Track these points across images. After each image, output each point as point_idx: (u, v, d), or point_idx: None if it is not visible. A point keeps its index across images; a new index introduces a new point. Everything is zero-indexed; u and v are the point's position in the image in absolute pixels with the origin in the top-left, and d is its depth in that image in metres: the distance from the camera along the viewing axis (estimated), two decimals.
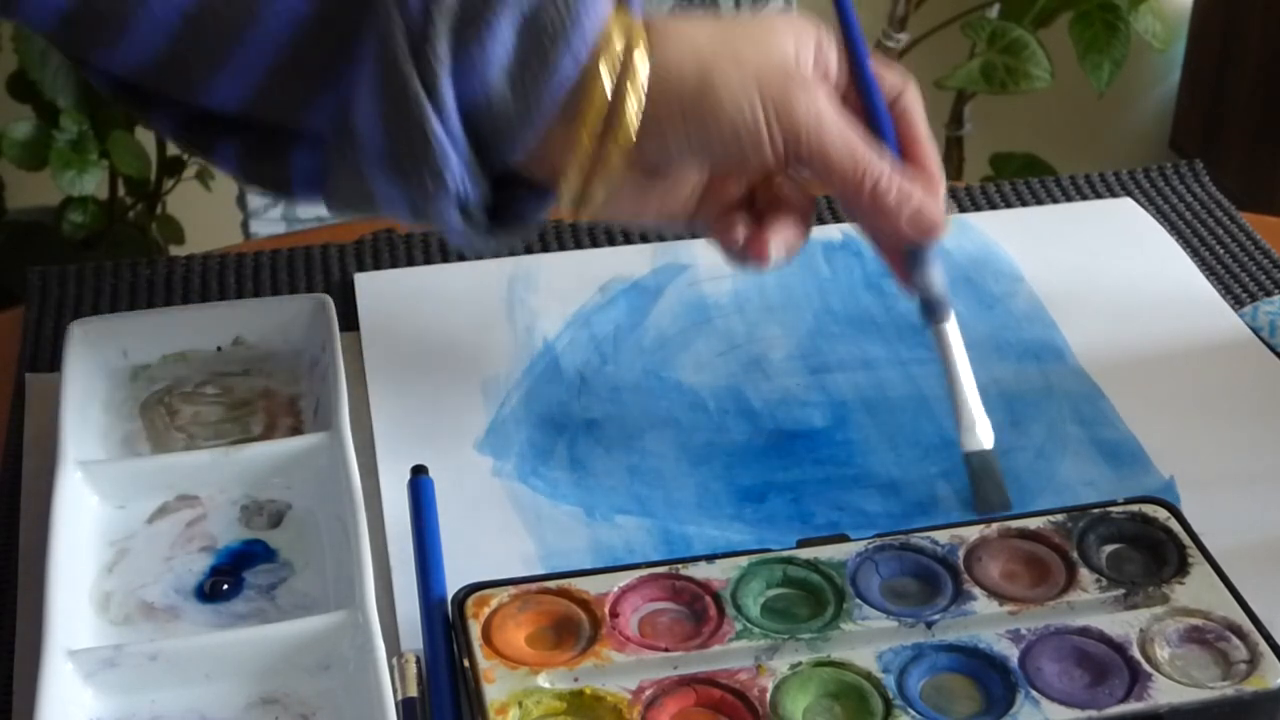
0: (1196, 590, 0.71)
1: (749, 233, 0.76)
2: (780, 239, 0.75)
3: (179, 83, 0.73)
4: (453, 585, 0.72)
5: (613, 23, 0.70)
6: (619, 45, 0.70)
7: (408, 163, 0.70)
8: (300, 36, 0.70)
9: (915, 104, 0.78)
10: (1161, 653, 0.69)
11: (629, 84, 0.70)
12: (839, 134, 0.73)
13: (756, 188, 0.77)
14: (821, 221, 1.01)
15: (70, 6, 0.69)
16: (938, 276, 0.78)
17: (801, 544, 0.74)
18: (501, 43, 0.69)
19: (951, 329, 0.79)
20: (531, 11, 0.69)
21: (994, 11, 1.94)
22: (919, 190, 0.75)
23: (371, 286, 0.94)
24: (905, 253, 0.78)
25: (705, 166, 0.75)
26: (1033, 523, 0.75)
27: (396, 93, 0.68)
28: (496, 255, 0.75)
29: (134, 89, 0.75)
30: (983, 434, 0.79)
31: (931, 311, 0.79)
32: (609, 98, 0.70)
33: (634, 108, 0.70)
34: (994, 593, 0.71)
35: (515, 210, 0.75)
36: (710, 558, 0.73)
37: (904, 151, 0.77)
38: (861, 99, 0.77)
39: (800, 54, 0.74)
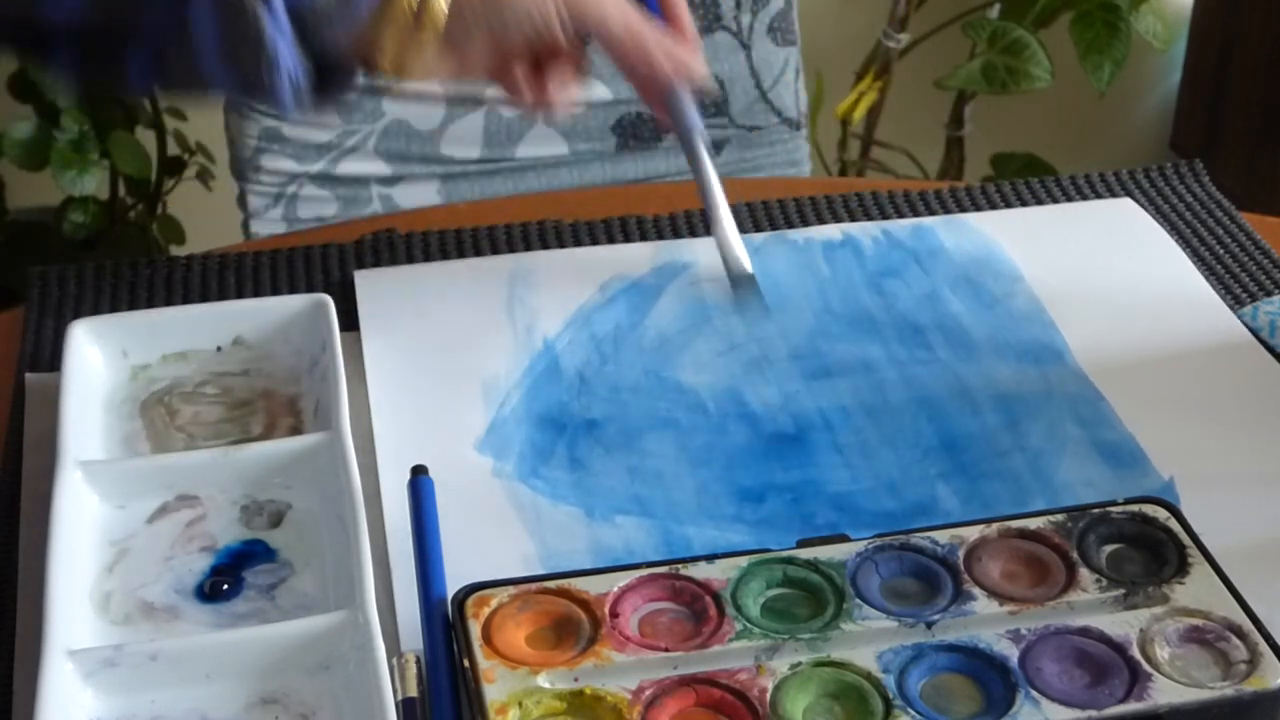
0: (1196, 590, 0.71)
1: (532, 84, 0.88)
2: (558, 84, 0.88)
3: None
4: (453, 585, 0.72)
5: None
6: None
7: (244, 56, 0.78)
8: None
9: None
10: (1161, 653, 0.69)
11: None
12: (616, 10, 0.86)
13: (539, 52, 0.88)
14: (820, 221, 1.01)
15: None
16: (692, 110, 0.92)
17: (801, 544, 0.74)
18: None
19: (703, 153, 0.92)
20: None
21: (994, 12, 1.94)
22: (678, 46, 0.90)
23: (371, 286, 0.94)
24: (666, 96, 0.91)
25: (500, 41, 0.85)
26: (1033, 523, 0.75)
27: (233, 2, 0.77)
28: (316, 120, 0.86)
29: None
30: (741, 255, 0.92)
31: (688, 141, 0.92)
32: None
33: (441, 5, 0.81)
34: (994, 593, 0.71)
35: (333, 83, 0.83)
36: (710, 558, 0.73)
37: (665, 17, 0.91)
38: None
39: None
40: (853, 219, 1.01)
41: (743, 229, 1.00)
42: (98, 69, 0.82)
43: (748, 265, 0.91)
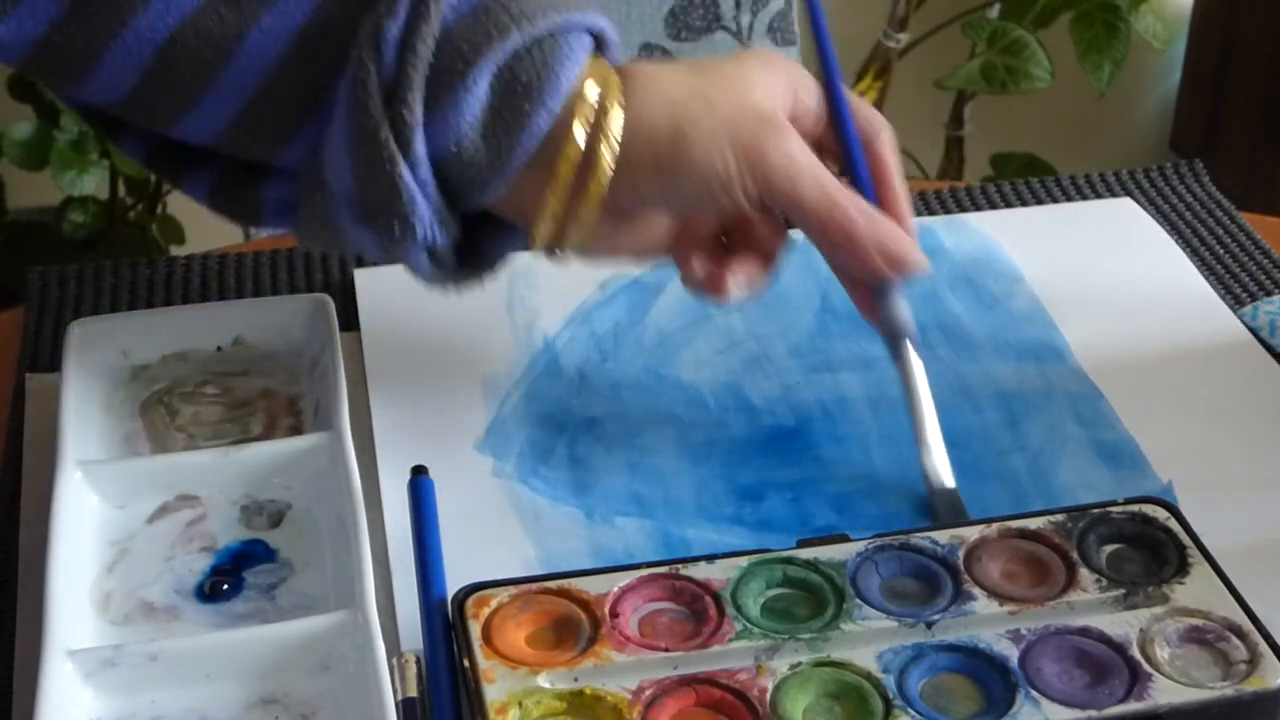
0: (1196, 590, 0.71)
1: (709, 269, 0.77)
2: (741, 277, 0.77)
3: (149, 117, 0.74)
4: (453, 585, 0.72)
5: (588, 73, 0.71)
6: (593, 97, 0.71)
7: (378, 211, 0.70)
8: (273, 80, 0.70)
9: (888, 143, 0.79)
10: (1161, 653, 0.69)
11: (603, 137, 0.70)
12: (812, 178, 0.73)
13: (728, 224, 0.78)
14: None
15: (48, 34, 0.69)
16: (904, 309, 0.79)
17: (801, 544, 0.74)
18: (476, 97, 0.69)
19: (915, 361, 0.80)
20: (508, 64, 0.69)
21: (994, 11, 1.94)
22: (890, 228, 0.76)
23: (371, 286, 0.94)
24: (873, 288, 0.78)
25: (676, 213, 0.76)
26: (1033, 523, 0.75)
27: (368, 146, 0.69)
28: (464, 292, 0.78)
29: (104, 114, 0.76)
30: (943, 470, 0.79)
31: (896, 344, 0.80)
32: (583, 150, 0.70)
33: (608, 160, 0.71)
34: (994, 593, 0.71)
35: (483, 250, 0.76)
36: (710, 558, 0.73)
37: (877, 192, 0.78)
38: (838, 140, 0.78)
39: (775, 96, 0.74)
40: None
41: None
42: (231, 201, 0.76)
43: (950, 481, 0.79)
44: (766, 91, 0.74)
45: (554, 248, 0.74)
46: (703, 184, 0.72)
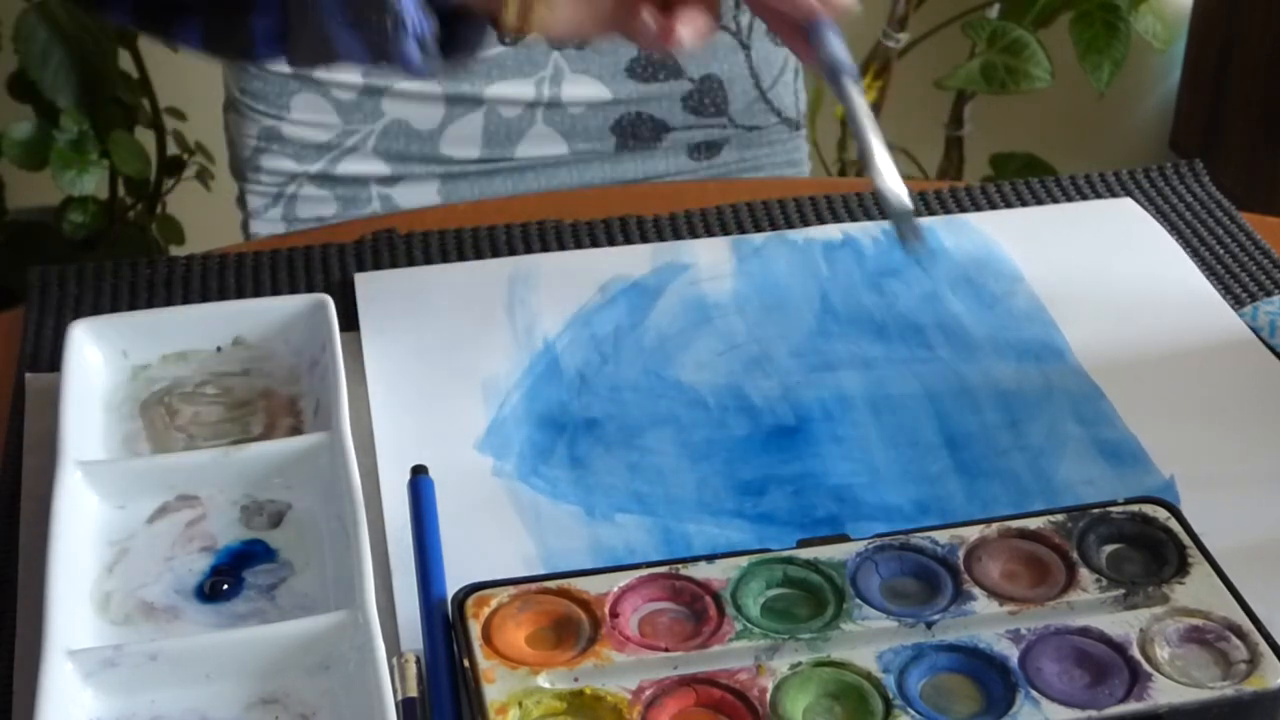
0: (1196, 590, 0.71)
1: (660, 23, 0.81)
2: (689, 26, 0.81)
3: None
4: (453, 585, 0.72)
5: None
6: None
7: (369, 13, 0.75)
8: None
9: None
10: (1161, 653, 0.69)
11: None
12: None
13: None
14: (820, 221, 1.01)
15: None
16: (839, 46, 0.81)
17: (801, 544, 0.74)
18: None
19: (857, 94, 0.81)
20: None
21: (994, 11, 1.94)
22: None
23: (371, 286, 0.94)
24: (808, 29, 0.81)
25: None
26: (1033, 523, 0.75)
27: None
28: (444, 79, 0.82)
29: None
30: (899, 190, 0.80)
31: (835, 78, 0.81)
32: None
33: None
34: (994, 593, 0.71)
35: (460, 41, 0.81)
36: (710, 558, 0.73)
37: None
38: None
39: None
40: (853, 219, 1.01)
41: (742, 229, 1.00)
42: (223, 39, 0.81)
43: (907, 200, 0.80)
44: None
45: (522, 24, 0.79)
46: None
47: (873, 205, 1.02)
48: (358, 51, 0.78)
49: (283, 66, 0.83)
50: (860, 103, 0.81)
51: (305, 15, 0.77)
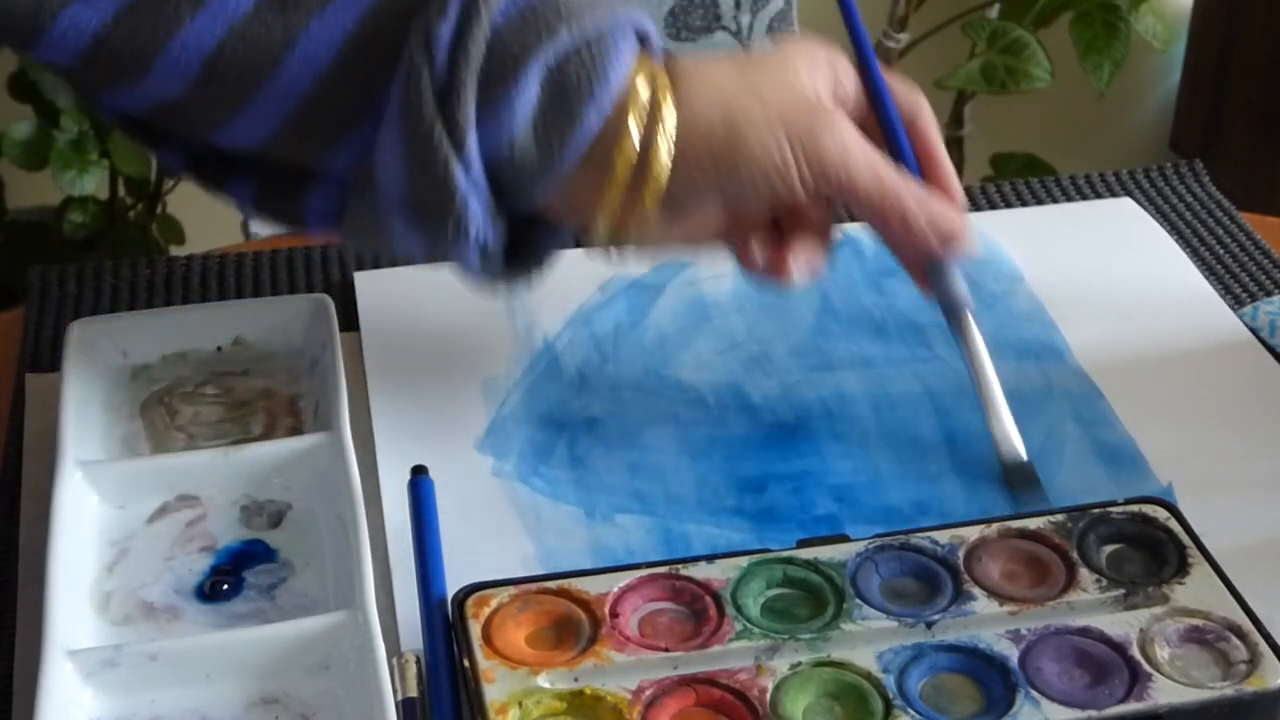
0: (1196, 590, 0.71)
1: (769, 254, 0.77)
2: (802, 259, 0.77)
3: (193, 125, 0.74)
4: (453, 585, 0.72)
5: (637, 72, 0.71)
6: (645, 95, 0.71)
7: (430, 212, 0.70)
8: (322, 86, 0.70)
9: (930, 120, 0.80)
10: (1161, 653, 0.69)
11: (658, 134, 0.71)
12: (865, 164, 0.74)
13: (780, 215, 0.78)
14: None
15: (94, 46, 0.69)
16: (960, 282, 0.80)
17: (801, 544, 0.74)
18: (527, 98, 0.69)
19: (976, 333, 0.81)
20: (557, 65, 0.70)
21: (994, 11, 1.94)
22: (941, 206, 0.77)
23: (371, 286, 0.94)
24: (928, 267, 0.79)
25: (732, 204, 0.76)
26: (1033, 523, 0.75)
27: (422, 145, 0.69)
28: (505, 291, 0.78)
29: (145, 126, 0.76)
30: (1016, 441, 0.80)
31: (955, 316, 0.81)
32: (638, 149, 0.71)
33: (664, 157, 0.71)
34: (994, 593, 0.71)
35: (531, 249, 0.76)
36: (710, 558, 0.73)
37: (922, 168, 0.79)
38: (879, 121, 0.79)
39: (818, 83, 0.76)
40: (853, 219, 1.01)
41: None
42: (274, 206, 0.76)
43: (1022, 453, 0.80)
44: (811, 79, 0.75)
45: (612, 245, 0.74)
46: (760, 175, 0.72)
47: None
48: (414, 244, 0.73)
49: None
50: (979, 344, 0.81)
51: (363, 204, 0.72)
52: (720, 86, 0.73)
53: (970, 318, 0.80)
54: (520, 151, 0.70)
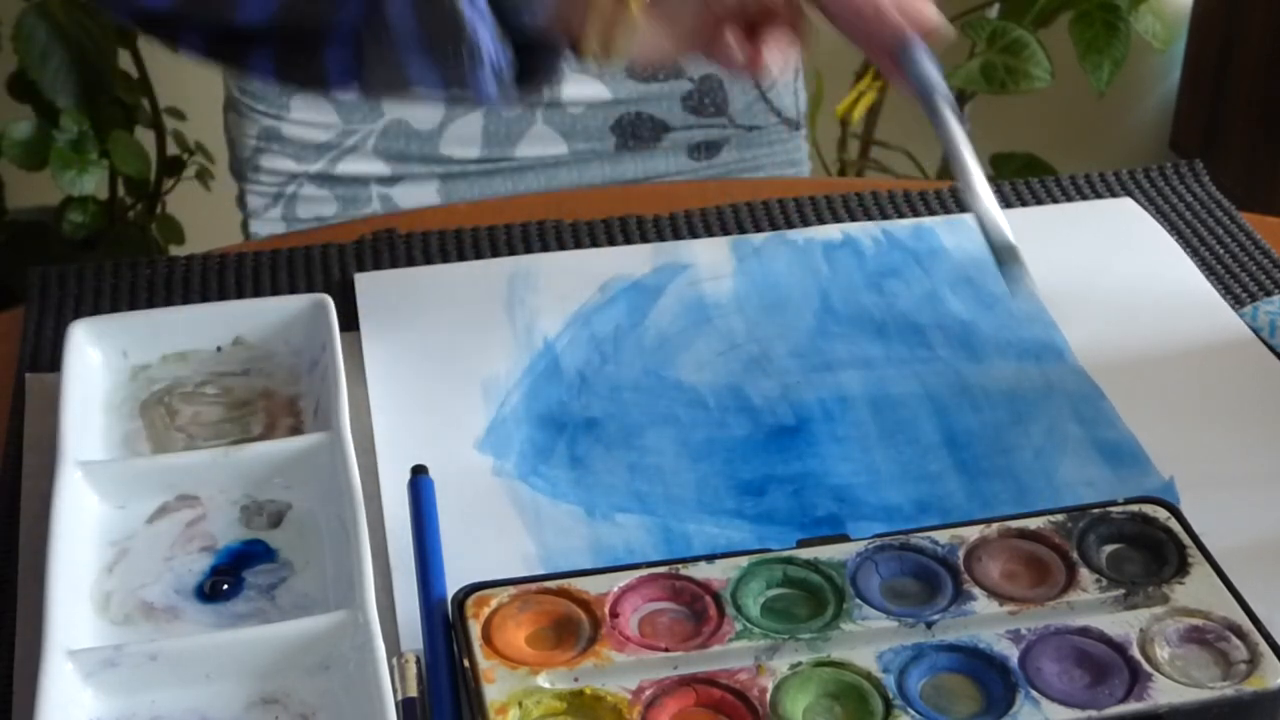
0: (1196, 590, 0.71)
1: (747, 50, 0.80)
2: (775, 49, 0.80)
3: (213, 8, 0.77)
4: (453, 585, 0.72)
5: None
6: None
7: (443, 42, 0.75)
8: None
9: None
10: (1161, 653, 0.69)
11: None
12: None
13: (753, 15, 0.80)
14: (820, 221, 1.01)
15: None
16: (931, 67, 0.80)
17: (801, 544, 0.74)
18: None
19: (951, 117, 0.80)
20: None
21: (994, 11, 1.93)
22: None
23: (371, 286, 0.94)
24: (899, 51, 0.80)
25: (712, 3, 0.78)
26: (1033, 523, 0.75)
27: None
28: (519, 107, 0.82)
29: (163, 19, 0.79)
30: (1001, 222, 0.79)
31: (928, 99, 0.80)
32: None
33: None
34: (994, 593, 0.71)
35: (536, 71, 0.80)
36: (710, 558, 0.73)
37: None
38: None
39: None
40: (853, 219, 1.01)
41: (742, 229, 1.00)
42: (297, 71, 0.80)
43: (1010, 236, 0.78)
44: None
45: (605, 54, 0.78)
46: None
47: (873, 205, 1.03)
48: (432, 81, 0.77)
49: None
50: (955, 127, 0.80)
51: (380, 45, 0.76)
52: None
53: (944, 102, 0.80)
54: None
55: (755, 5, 0.80)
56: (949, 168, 0.81)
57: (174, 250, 1.89)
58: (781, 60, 0.80)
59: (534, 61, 0.79)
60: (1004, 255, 0.78)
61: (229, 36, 0.79)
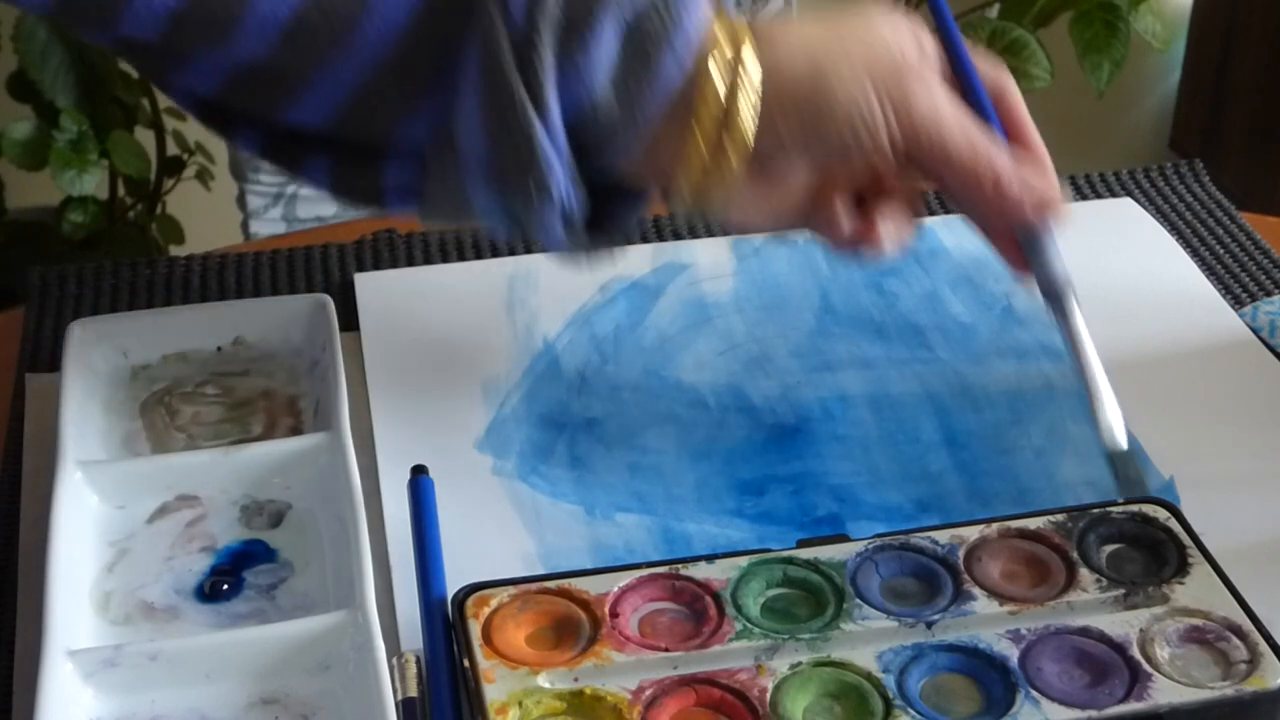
0: (1196, 590, 0.71)
1: (857, 223, 0.74)
2: (890, 226, 0.74)
3: (272, 93, 0.72)
4: (453, 585, 0.72)
5: (717, 24, 0.70)
6: (727, 45, 0.69)
7: (512, 174, 0.69)
8: (402, 42, 0.68)
9: (1017, 95, 0.78)
10: (1161, 653, 0.69)
11: (742, 82, 0.69)
12: (957, 124, 0.72)
13: (863, 187, 0.76)
14: None
15: (182, 5, 0.67)
16: (1059, 258, 0.76)
17: (801, 544, 0.74)
18: (606, 49, 0.68)
19: (1078, 314, 0.77)
20: (634, 17, 0.68)
21: (994, 11, 1.94)
22: (1034, 173, 0.74)
23: (371, 286, 0.94)
24: (1022, 238, 0.76)
25: (819, 164, 0.73)
26: (1033, 523, 0.75)
27: (502, 103, 0.67)
28: (588, 263, 0.75)
29: (218, 109, 0.75)
30: (1118, 430, 0.76)
31: (1054, 295, 0.77)
32: (723, 99, 0.69)
33: (749, 107, 0.69)
34: (994, 593, 0.71)
35: (613, 218, 0.75)
36: (710, 558, 0.73)
37: (1009, 134, 0.76)
38: (962, 86, 0.76)
39: (903, 44, 0.73)
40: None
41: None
42: (353, 185, 0.74)
43: (1123, 442, 0.76)
44: (896, 40, 0.73)
45: (696, 205, 0.72)
46: (847, 127, 0.70)
47: None
48: (496, 215, 0.71)
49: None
50: (1082, 328, 0.76)
51: (443, 174, 0.70)
52: (805, 39, 0.71)
53: (1073, 298, 0.76)
54: (602, 107, 0.68)
55: (868, 175, 0.74)
56: (1073, 364, 0.77)
57: (174, 250, 1.89)
58: (896, 239, 0.74)
59: (612, 208, 0.73)
60: (1119, 462, 0.76)
61: (285, 137, 0.74)
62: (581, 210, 0.71)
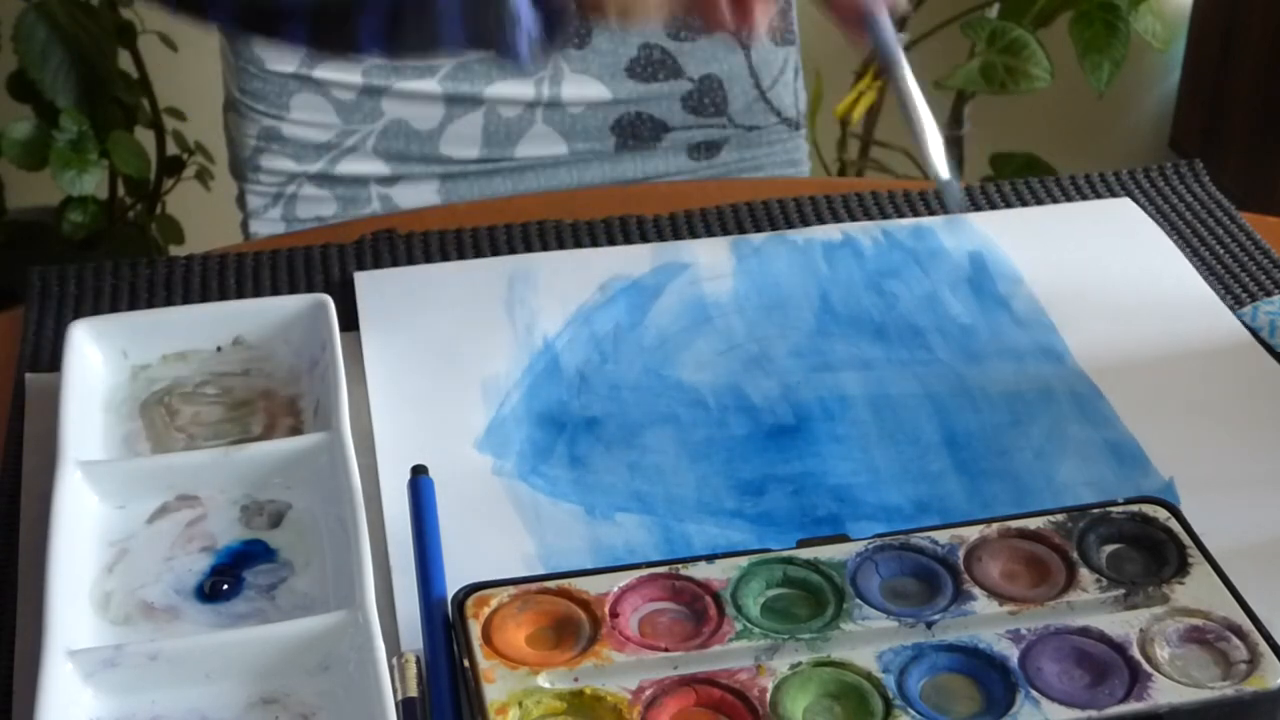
0: (1196, 590, 0.71)
1: (734, 4, 0.84)
2: (760, 10, 0.84)
3: None
4: (453, 585, 0.72)
5: None
6: None
7: (485, 14, 0.78)
8: None
9: None
10: (1161, 653, 0.69)
11: None
12: None
13: None
14: (820, 221, 1.01)
15: None
16: (892, 34, 0.85)
17: (801, 544, 0.74)
18: None
19: (908, 74, 0.86)
20: None
21: (994, 11, 1.94)
22: None
23: (371, 286, 0.94)
24: (864, 17, 0.85)
25: None
26: (1033, 523, 0.75)
27: None
28: (535, 71, 0.88)
29: None
30: (940, 163, 0.85)
31: (889, 61, 0.85)
32: None
33: None
34: (994, 593, 0.71)
35: (552, 31, 0.82)
36: (710, 558, 0.73)
37: None
38: None
39: None
40: (852, 219, 1.01)
41: (742, 229, 1.00)
42: (330, 39, 0.83)
43: (944, 172, 0.86)
44: None
45: (619, 20, 0.83)
46: None
47: (873, 205, 1.03)
48: (460, 40, 0.81)
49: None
50: (912, 84, 0.86)
51: (417, 8, 0.79)
52: None
53: (904, 64, 0.85)
54: None
55: None
56: (905, 122, 0.87)
57: (174, 250, 1.89)
58: (767, 13, 0.84)
59: (554, 21, 0.82)
60: (945, 189, 0.87)
61: (258, 7, 0.81)
62: (539, 31, 0.80)
